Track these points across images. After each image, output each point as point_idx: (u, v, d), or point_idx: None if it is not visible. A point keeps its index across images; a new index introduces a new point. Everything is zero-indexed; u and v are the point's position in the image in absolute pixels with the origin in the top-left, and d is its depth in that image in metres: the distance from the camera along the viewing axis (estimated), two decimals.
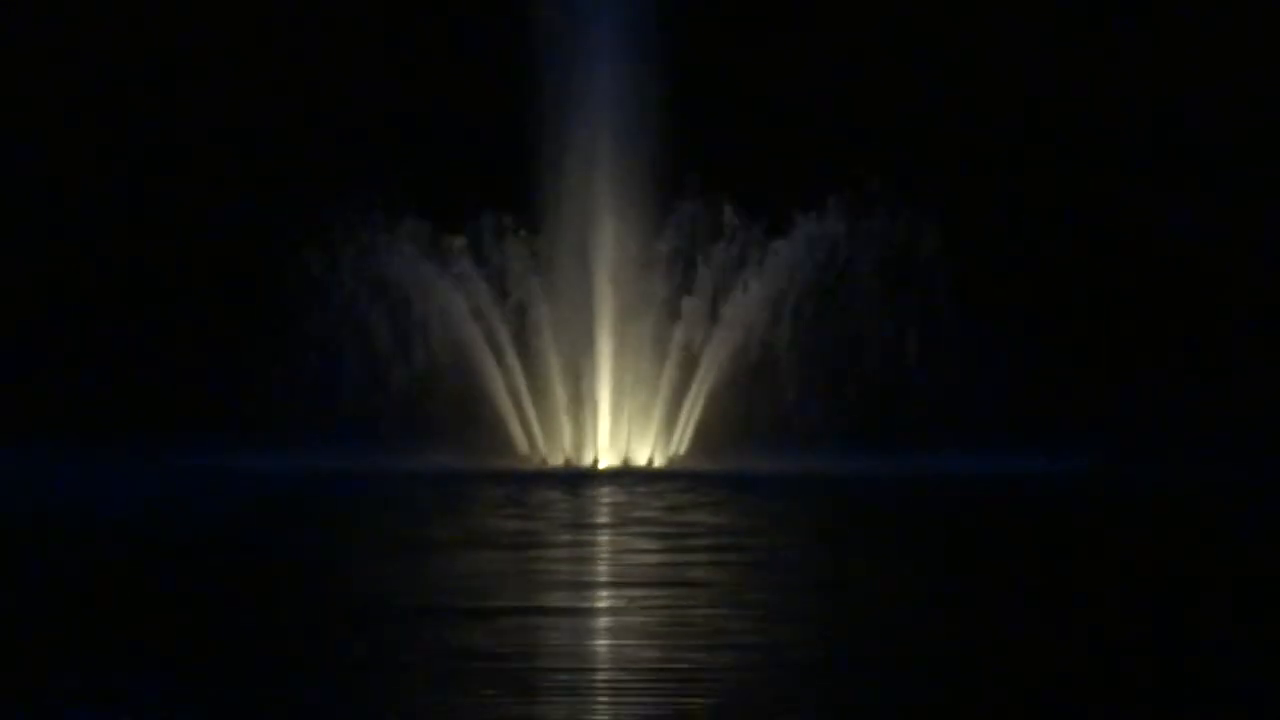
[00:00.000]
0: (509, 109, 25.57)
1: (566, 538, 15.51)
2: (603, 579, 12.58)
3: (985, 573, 13.28)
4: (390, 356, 25.52)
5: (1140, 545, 15.11)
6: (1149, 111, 35.87)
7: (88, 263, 35.28)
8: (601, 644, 9.53)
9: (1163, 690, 8.19)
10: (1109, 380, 32.96)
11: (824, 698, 7.98)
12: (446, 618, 10.36)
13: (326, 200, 24.54)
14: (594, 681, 8.29)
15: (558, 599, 11.27)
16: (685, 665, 8.69)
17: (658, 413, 25.13)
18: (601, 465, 25.10)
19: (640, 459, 25.16)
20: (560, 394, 25.39)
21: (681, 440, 25.18)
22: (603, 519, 17.71)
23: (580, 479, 23.05)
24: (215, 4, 37.18)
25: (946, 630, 9.97)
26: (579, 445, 25.57)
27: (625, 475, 23.68)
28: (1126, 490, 21.62)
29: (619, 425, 25.38)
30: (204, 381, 30.57)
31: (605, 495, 20.34)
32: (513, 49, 24.51)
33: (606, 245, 24.31)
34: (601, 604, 11.08)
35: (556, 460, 25.26)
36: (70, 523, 17.02)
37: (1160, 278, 34.21)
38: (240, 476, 23.30)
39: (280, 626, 10.23)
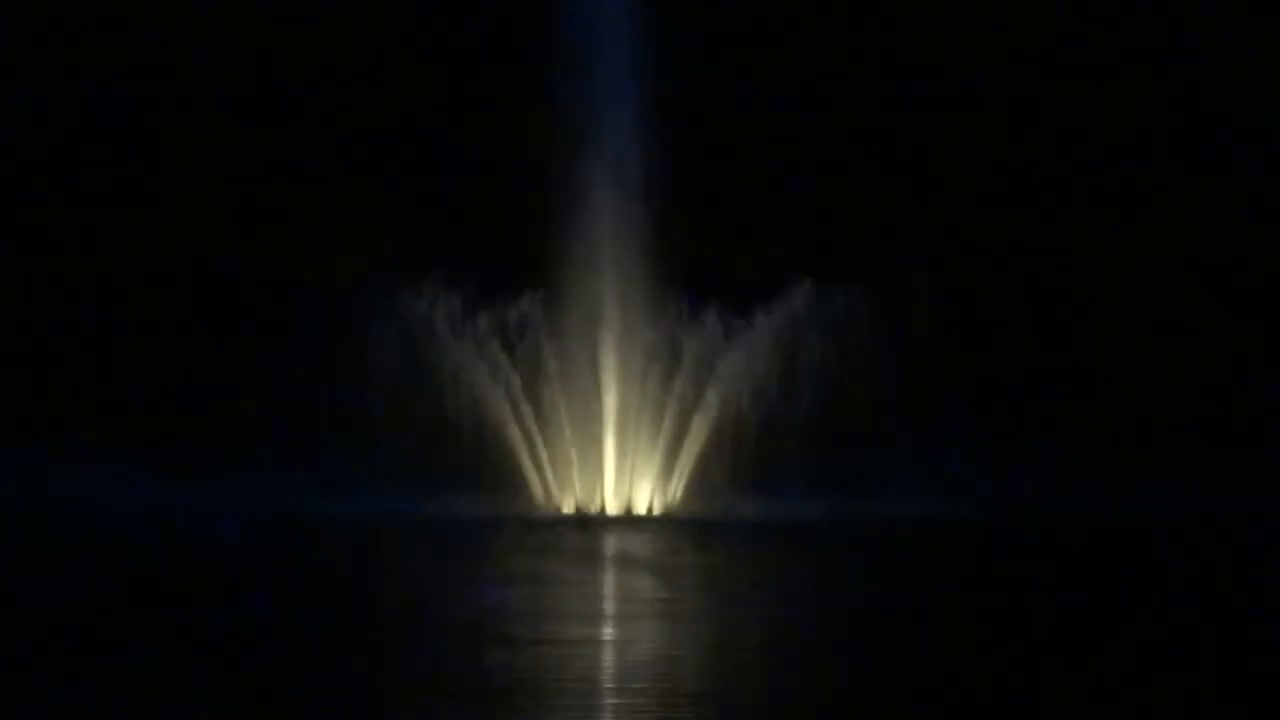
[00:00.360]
0: (530, 209, 30.19)
1: (579, 576, 19.92)
2: (609, 611, 16.85)
3: (888, 598, 17.68)
4: (426, 418, 30.00)
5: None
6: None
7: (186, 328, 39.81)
8: (608, 668, 13.00)
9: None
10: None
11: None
12: (485, 641, 14.49)
13: (389, 284, 29.24)
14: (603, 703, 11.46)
15: (570, 629, 15.26)
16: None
17: (656, 467, 29.72)
18: (611, 512, 29.67)
19: (641, 506, 29.74)
20: (571, 451, 30.02)
21: (676, 490, 29.77)
22: (609, 558, 22.14)
23: (590, 524, 27.59)
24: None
25: (841, 635, 14.38)
26: (589, 494, 30.18)
27: (628, 521, 28.29)
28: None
29: (622, 477, 29.95)
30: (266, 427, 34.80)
31: (612, 538, 24.79)
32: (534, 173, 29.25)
33: (611, 331, 29.02)
34: (608, 633, 15.21)
35: (569, 507, 29.83)
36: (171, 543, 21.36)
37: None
38: (307, 517, 27.79)
39: (347, 643, 14.18)
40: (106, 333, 39.04)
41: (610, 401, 29.11)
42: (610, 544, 24.08)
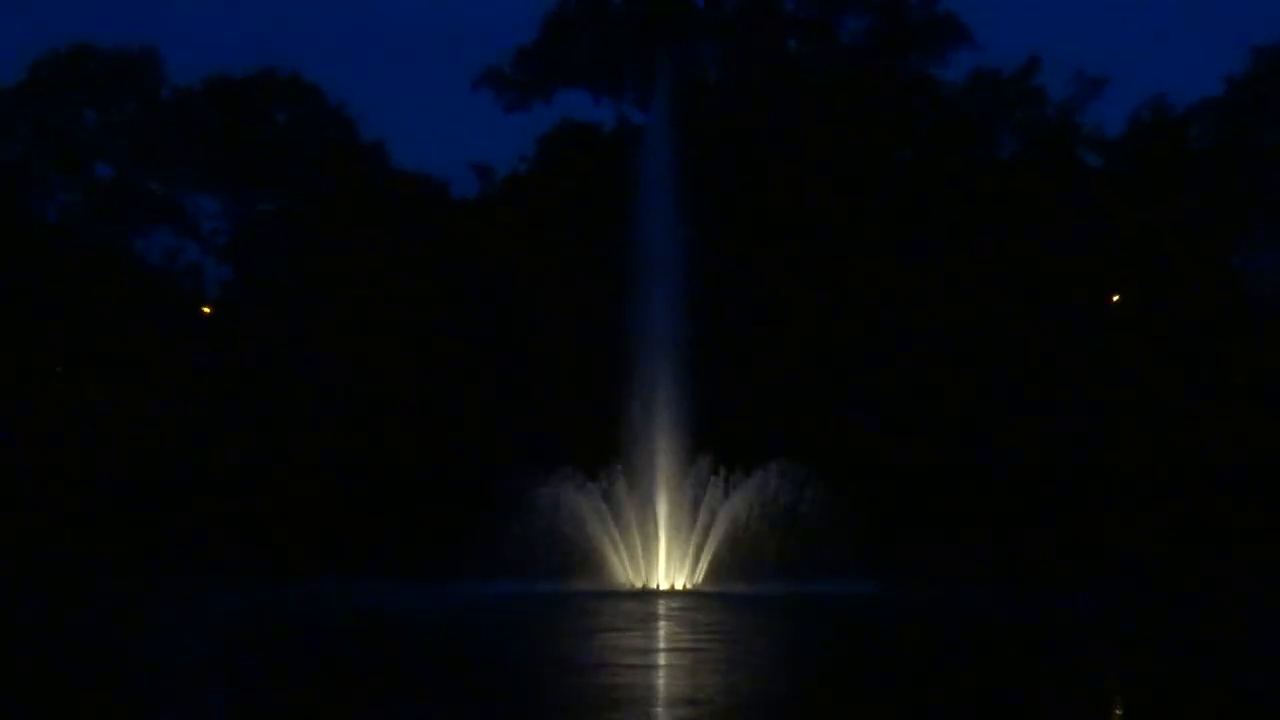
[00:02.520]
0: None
1: (646, 621, 39.64)
2: (657, 647, 36.23)
3: (844, 666, 37.13)
4: (547, 530, 50.16)
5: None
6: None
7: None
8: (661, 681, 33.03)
9: None
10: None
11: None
12: (591, 667, 33.89)
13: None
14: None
15: (633, 658, 34.67)
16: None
17: (688, 559, 49.95)
18: (662, 587, 49.79)
19: (679, 584, 49.88)
20: (638, 547, 50.30)
21: (697, 573, 49.95)
22: (658, 615, 41.87)
23: (648, 595, 47.63)
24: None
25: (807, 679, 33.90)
26: (648, 574, 50.39)
27: (670, 593, 48.42)
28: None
29: (669, 565, 50.17)
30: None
31: (660, 603, 44.65)
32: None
33: (661, 480, 49.54)
34: (660, 661, 34.60)
35: (638, 584, 49.97)
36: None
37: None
38: (468, 598, 47.58)
39: (511, 679, 33.58)
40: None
41: (662, 519, 49.51)
42: (662, 605, 43.95)
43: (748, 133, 72.10)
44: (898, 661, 29.29)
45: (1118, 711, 22.97)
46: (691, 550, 49.76)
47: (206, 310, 75.68)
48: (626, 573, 49.96)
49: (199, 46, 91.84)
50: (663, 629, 34.92)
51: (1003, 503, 63.82)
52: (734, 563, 49.15)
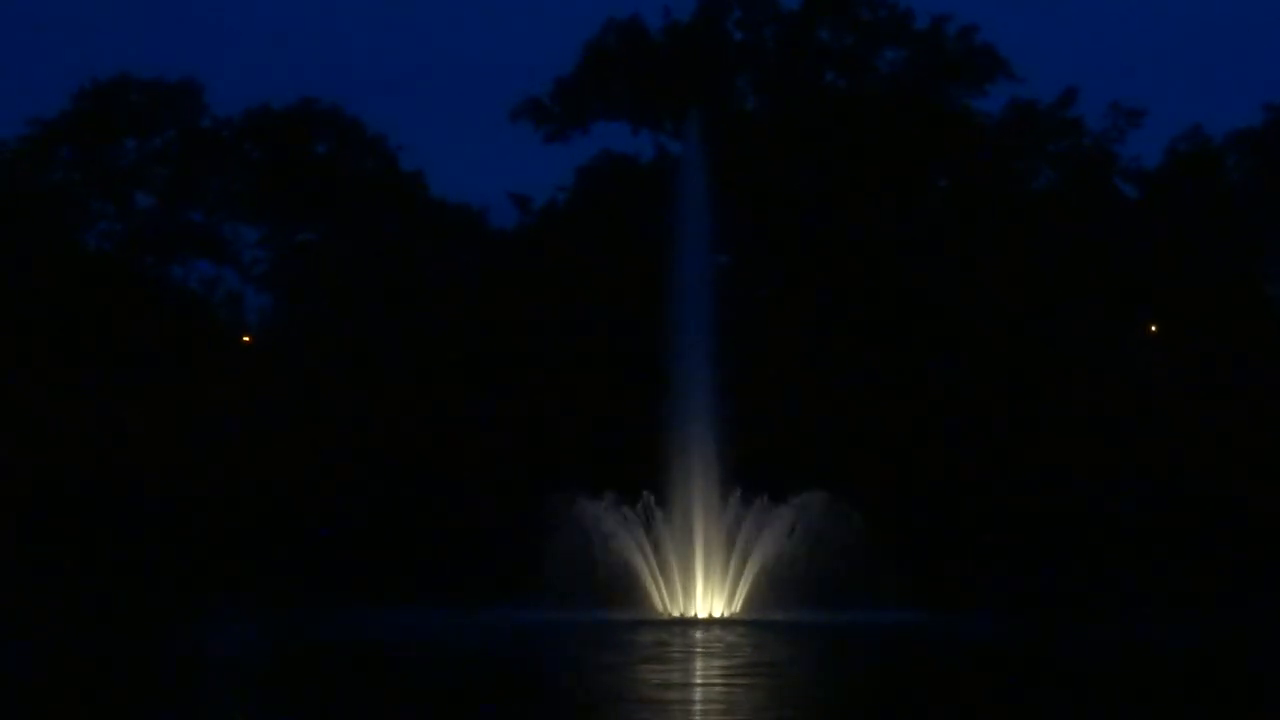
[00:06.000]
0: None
1: (679, 651, 39.90)
2: (697, 668, 36.53)
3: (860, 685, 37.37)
4: (583, 557, 50.36)
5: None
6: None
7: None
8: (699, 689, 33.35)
9: None
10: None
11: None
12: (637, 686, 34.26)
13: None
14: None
15: (673, 677, 35.00)
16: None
17: (726, 587, 50.11)
18: (700, 615, 49.93)
19: (716, 612, 50.03)
20: (676, 577, 50.49)
21: (735, 601, 50.11)
22: (696, 639, 42.11)
23: (687, 624, 47.81)
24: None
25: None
26: (686, 603, 50.54)
27: (707, 622, 48.58)
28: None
29: (706, 594, 50.32)
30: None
31: (698, 631, 44.87)
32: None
33: (698, 506, 49.75)
34: (698, 681, 34.86)
35: (676, 612, 50.13)
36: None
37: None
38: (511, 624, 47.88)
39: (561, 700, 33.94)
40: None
41: (699, 549, 49.67)
42: (699, 633, 44.21)
43: (784, 163, 72.37)
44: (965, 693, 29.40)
45: None
46: (729, 578, 49.90)
47: (246, 339, 76.14)
48: (664, 601, 50.14)
49: (240, 79, 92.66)
50: (716, 663, 35.33)
51: (1039, 534, 63.91)
52: (771, 591, 49.26)
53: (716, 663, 35.12)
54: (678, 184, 56.07)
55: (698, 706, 27.04)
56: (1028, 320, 68.69)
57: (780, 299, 71.29)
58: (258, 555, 64.94)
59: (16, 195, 76.14)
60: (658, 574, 50.04)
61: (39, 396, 69.45)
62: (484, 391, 67.81)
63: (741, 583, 49.84)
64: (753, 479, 49.73)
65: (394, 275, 73.15)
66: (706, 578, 50.41)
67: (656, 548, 50.06)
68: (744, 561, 49.87)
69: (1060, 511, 65.04)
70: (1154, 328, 71.80)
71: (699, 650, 38.35)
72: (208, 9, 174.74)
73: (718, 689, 29.43)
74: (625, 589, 50.11)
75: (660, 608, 50.09)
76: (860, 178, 71.79)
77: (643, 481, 49.93)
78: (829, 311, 68.40)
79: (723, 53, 77.96)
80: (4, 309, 71.20)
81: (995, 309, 68.84)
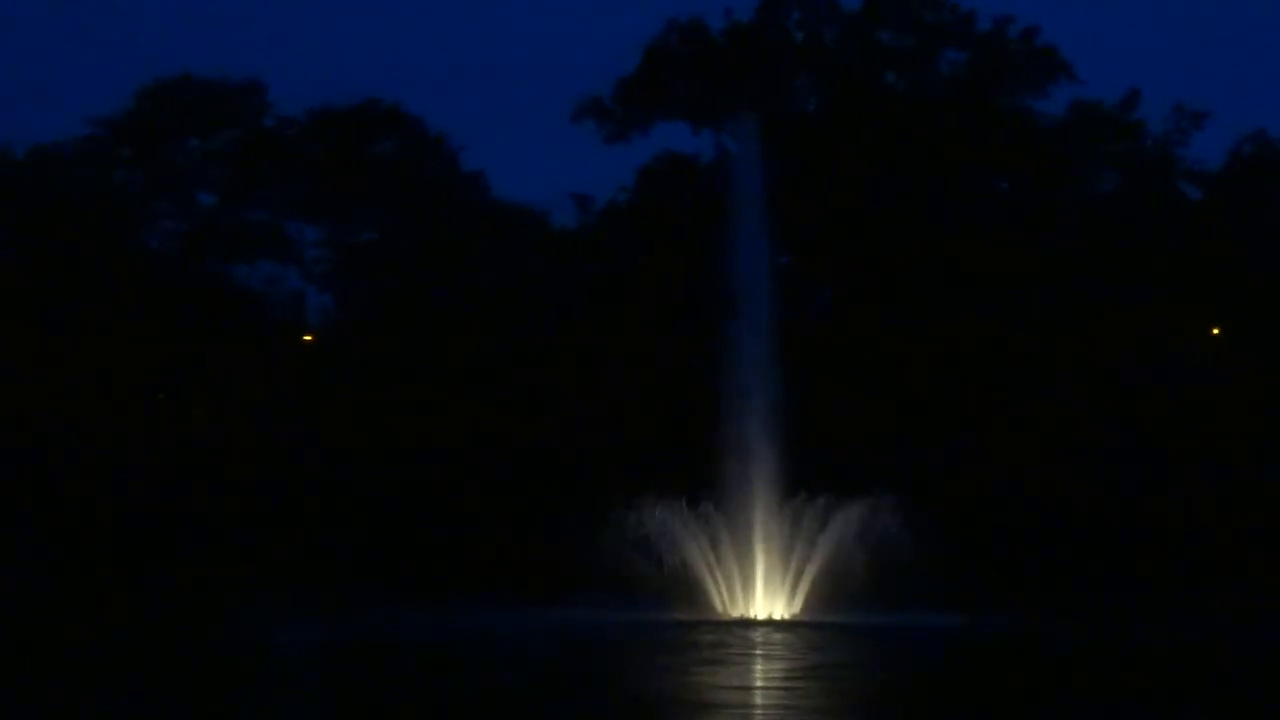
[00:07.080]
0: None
1: (738, 653, 39.86)
2: (757, 669, 36.52)
3: (905, 685, 37.28)
4: (645, 557, 50.41)
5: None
6: None
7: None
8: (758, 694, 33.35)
9: None
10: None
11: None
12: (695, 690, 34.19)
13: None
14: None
15: (733, 679, 34.99)
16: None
17: (786, 590, 50.03)
18: (760, 616, 49.88)
19: (776, 614, 49.95)
20: (736, 578, 50.45)
21: (795, 602, 50.03)
22: (755, 641, 42.07)
23: (746, 624, 47.78)
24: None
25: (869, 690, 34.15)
26: (746, 603, 50.50)
27: (767, 623, 48.52)
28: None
29: (766, 596, 50.26)
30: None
31: (758, 632, 44.83)
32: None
33: (758, 508, 49.68)
34: (758, 683, 34.88)
35: (735, 613, 50.09)
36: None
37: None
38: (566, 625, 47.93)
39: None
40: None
41: (758, 551, 49.66)
42: (759, 634, 44.20)
43: (844, 164, 72.20)
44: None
45: None
46: (790, 579, 49.83)
47: (308, 338, 76.35)
48: (724, 601, 50.15)
49: (302, 79, 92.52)
50: (776, 665, 35.44)
51: (1104, 540, 63.69)
52: (831, 592, 49.19)
53: (776, 665, 35.04)
54: (734, 185, 56.10)
55: (758, 712, 27.09)
56: (1087, 325, 68.35)
57: (840, 301, 71.15)
58: (321, 553, 65.09)
59: (79, 195, 76.42)
60: (718, 575, 50.04)
61: (101, 396, 69.70)
62: (546, 392, 67.81)
63: (801, 584, 49.77)
64: (812, 481, 49.68)
65: (456, 275, 73.22)
66: (766, 579, 50.37)
67: (715, 548, 50.06)
68: (804, 563, 49.83)
69: (1125, 516, 64.68)
70: (1216, 330, 71.34)
71: (759, 653, 38.28)
72: (271, 9, 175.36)
73: (776, 692, 29.48)
74: (686, 590, 50.14)
75: (720, 609, 50.08)
76: (921, 180, 71.50)
77: (703, 481, 49.99)
78: (889, 313, 68.22)
79: (783, 53, 77.78)
80: (67, 309, 71.46)
81: (1058, 311, 68.54)
